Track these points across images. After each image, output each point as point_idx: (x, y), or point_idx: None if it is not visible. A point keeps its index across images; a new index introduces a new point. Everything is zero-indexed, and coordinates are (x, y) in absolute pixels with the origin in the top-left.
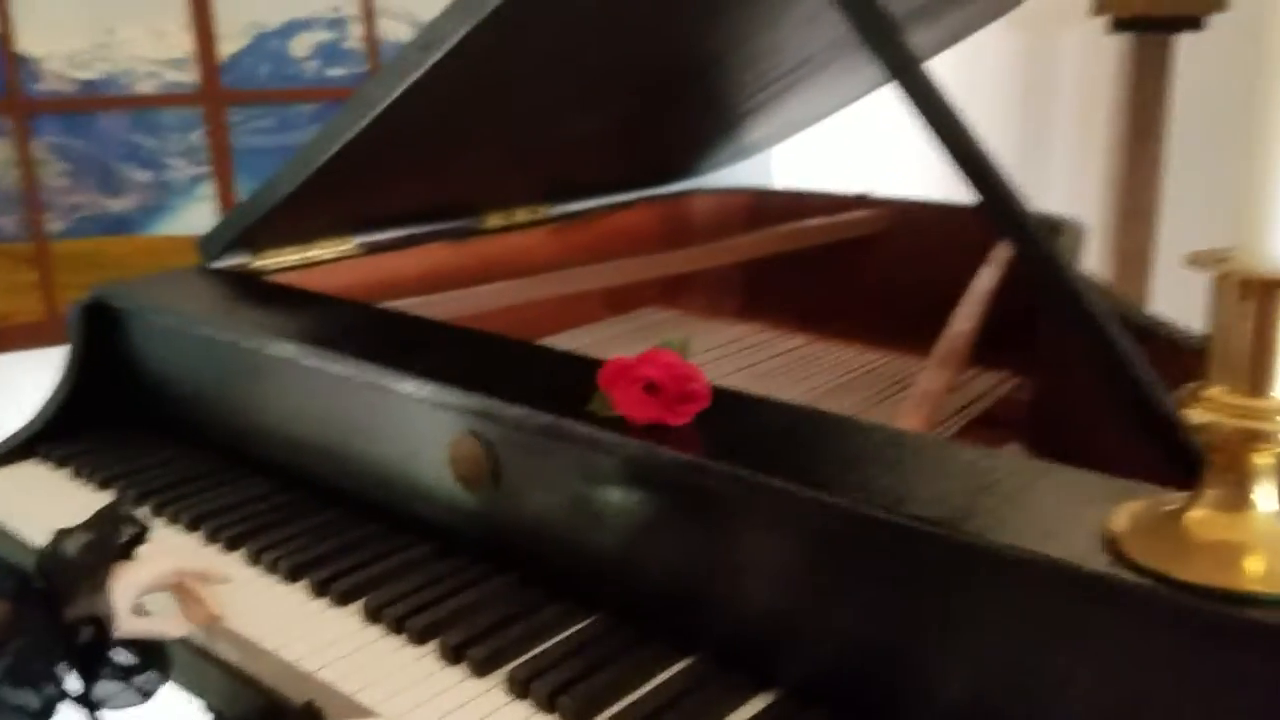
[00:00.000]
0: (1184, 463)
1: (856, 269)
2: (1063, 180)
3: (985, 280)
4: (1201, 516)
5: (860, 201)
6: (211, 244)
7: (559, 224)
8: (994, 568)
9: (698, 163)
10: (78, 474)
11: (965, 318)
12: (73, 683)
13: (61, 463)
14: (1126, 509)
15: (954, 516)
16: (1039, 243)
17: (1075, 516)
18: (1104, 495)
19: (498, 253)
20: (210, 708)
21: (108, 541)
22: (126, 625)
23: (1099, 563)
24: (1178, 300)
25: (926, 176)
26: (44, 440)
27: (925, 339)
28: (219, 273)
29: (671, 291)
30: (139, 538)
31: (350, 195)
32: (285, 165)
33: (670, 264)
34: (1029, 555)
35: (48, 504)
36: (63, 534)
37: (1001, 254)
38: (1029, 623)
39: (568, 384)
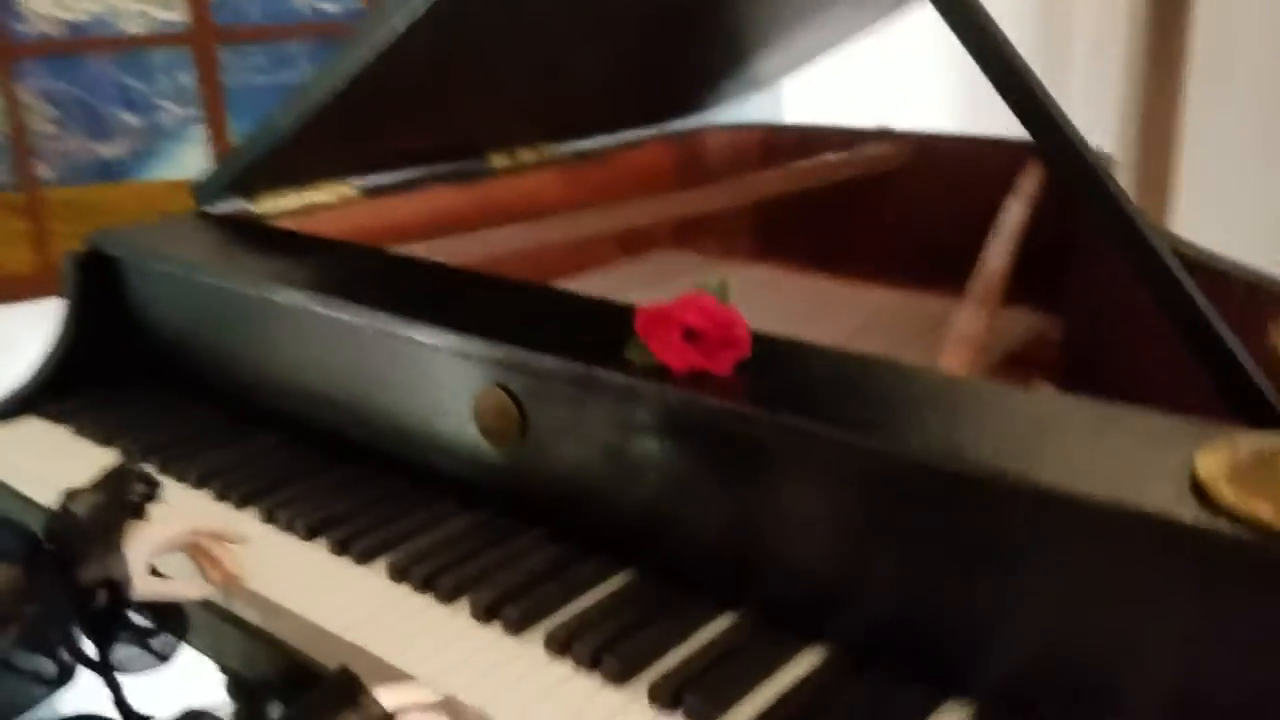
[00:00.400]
0: (1245, 402)
1: (875, 206)
2: (1081, 107)
3: (1014, 215)
4: None
5: (879, 135)
6: (207, 188)
7: (569, 164)
8: (1069, 518)
9: (706, 97)
10: (79, 431)
11: (998, 254)
12: (88, 647)
13: (61, 419)
14: (1214, 453)
15: (1021, 463)
16: (1099, 175)
17: (1154, 461)
18: (1182, 438)
19: (505, 195)
20: (227, 670)
21: (120, 501)
22: (143, 587)
23: (1189, 512)
24: (1199, 229)
25: (938, 109)
26: (42, 396)
27: (950, 277)
28: (218, 218)
29: (685, 233)
30: (151, 496)
31: (351, 136)
32: (282, 105)
33: (687, 203)
34: (1110, 504)
35: (49, 461)
36: (72, 494)
37: (1027, 187)
38: (1105, 575)
39: (599, 332)
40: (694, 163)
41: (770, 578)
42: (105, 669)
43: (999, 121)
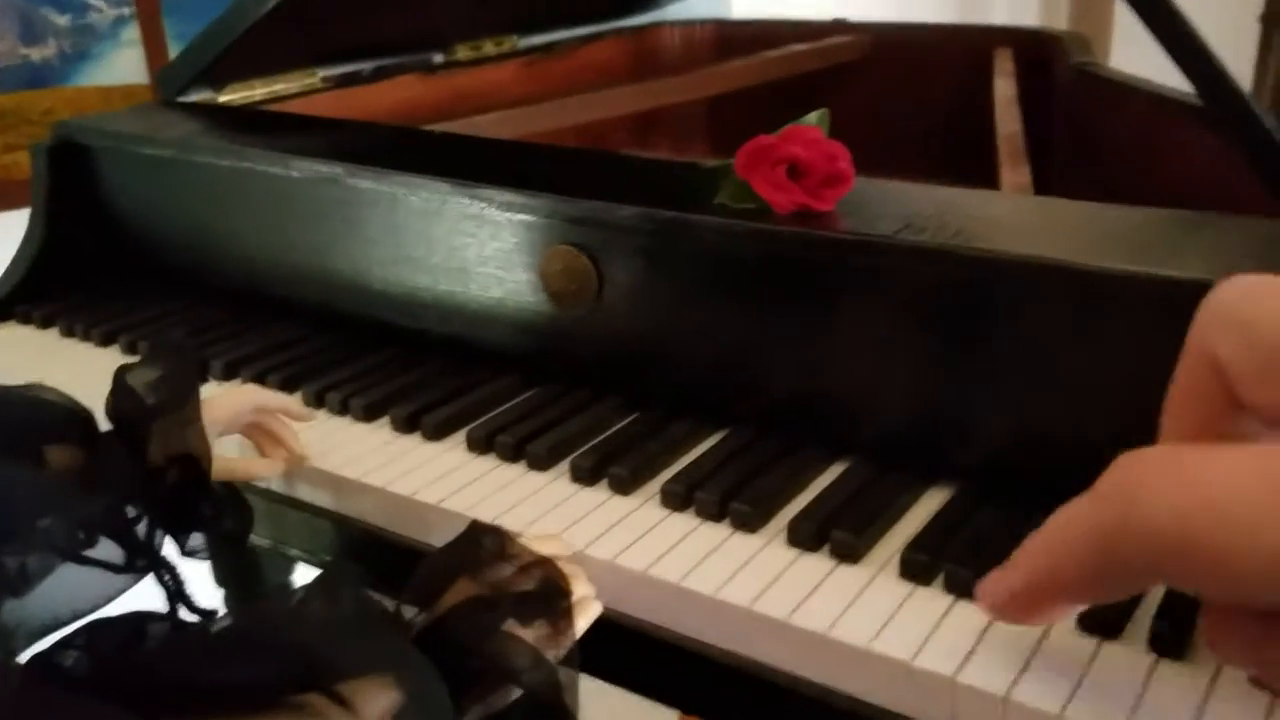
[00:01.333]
0: None
1: (833, 98)
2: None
3: (1005, 89)
4: None
5: (836, 27)
6: (172, 77)
7: (531, 57)
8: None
9: None
10: (69, 332)
11: (1007, 121)
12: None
13: (47, 322)
14: None
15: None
16: None
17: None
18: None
19: (470, 86)
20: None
21: (180, 374)
22: (215, 466)
23: None
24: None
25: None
26: (20, 300)
27: (912, 166)
28: (190, 106)
29: (641, 132)
30: (205, 373)
31: (317, 22)
32: None
33: (644, 96)
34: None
35: (46, 364)
36: (124, 370)
37: (1006, 65)
38: None
39: (675, 185)
40: (649, 59)
41: (880, 417)
42: (160, 561)
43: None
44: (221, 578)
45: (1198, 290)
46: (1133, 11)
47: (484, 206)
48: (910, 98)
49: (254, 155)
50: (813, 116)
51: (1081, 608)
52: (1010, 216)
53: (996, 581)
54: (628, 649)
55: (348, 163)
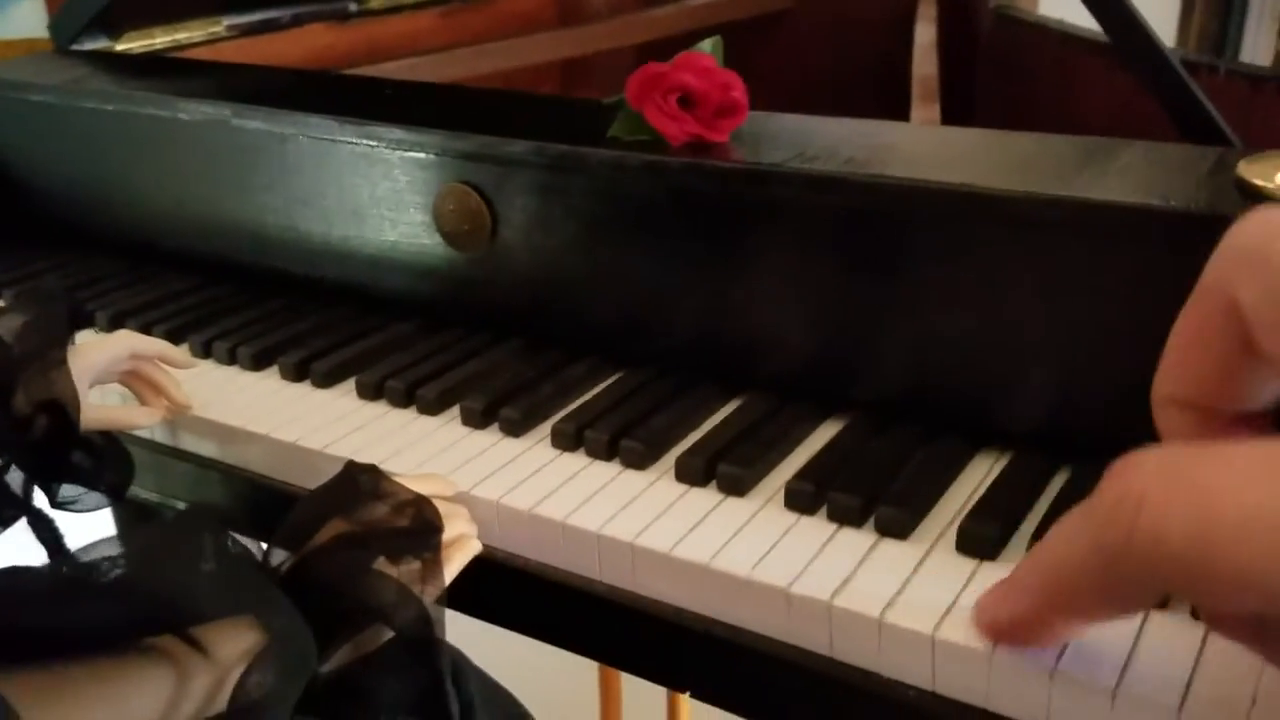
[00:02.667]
0: (1200, 132)
1: (762, 49)
2: None
3: (924, 33)
4: None
5: None
6: (65, 24)
7: (450, 6)
8: (1118, 228)
9: None
10: None
11: (923, 64)
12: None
13: None
14: (1258, 161)
15: (1046, 184)
16: None
17: (1179, 175)
18: (1193, 157)
19: (384, 36)
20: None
21: (50, 320)
22: (85, 414)
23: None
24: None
25: None
26: None
27: (847, 114)
28: (86, 54)
29: (569, 84)
30: (78, 319)
31: None
32: None
33: (568, 43)
34: (1161, 209)
35: None
36: None
37: (929, 11)
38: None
39: (566, 120)
40: (574, 9)
41: (777, 351)
42: (35, 512)
43: None
44: (122, 534)
45: (1090, 211)
46: None
47: (374, 145)
48: (837, 46)
49: (140, 99)
50: (706, 44)
51: (1091, 627)
52: (904, 145)
53: (997, 604)
54: (515, 590)
55: (236, 103)
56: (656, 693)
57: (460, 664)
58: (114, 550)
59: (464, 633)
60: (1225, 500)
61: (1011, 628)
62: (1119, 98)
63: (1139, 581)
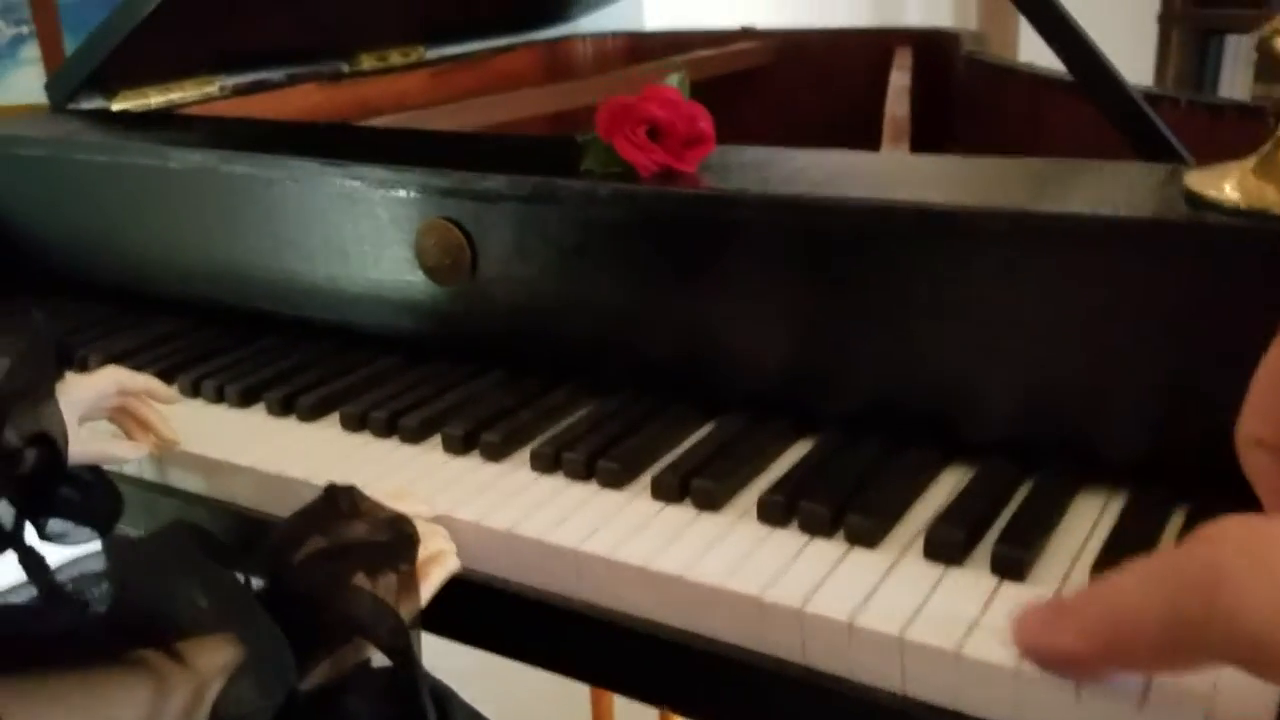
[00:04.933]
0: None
1: (742, 103)
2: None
3: (898, 79)
4: None
5: (744, 34)
6: (61, 84)
7: (440, 67)
8: (1067, 237)
9: (571, 6)
10: None
11: (895, 105)
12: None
13: None
14: (1202, 172)
15: (1002, 197)
16: None
17: (1130, 188)
18: (1143, 173)
19: (376, 96)
20: None
21: (39, 356)
22: (73, 448)
23: (1211, 216)
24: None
25: (807, 9)
26: None
27: None
28: (82, 112)
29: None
30: (66, 356)
31: (211, 27)
32: None
33: (554, 98)
34: (1111, 218)
35: None
36: None
37: (904, 61)
38: (1099, 298)
39: (543, 156)
40: (562, 71)
41: (751, 370)
42: (24, 546)
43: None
44: (106, 549)
45: (1045, 222)
46: None
47: (356, 185)
48: (817, 98)
49: (130, 149)
50: (673, 78)
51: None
52: (864, 169)
53: (1048, 631)
54: (495, 612)
55: (223, 150)
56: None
57: (448, 699)
58: (97, 566)
59: (454, 668)
60: None
61: (1058, 659)
62: (1088, 134)
63: (1207, 653)
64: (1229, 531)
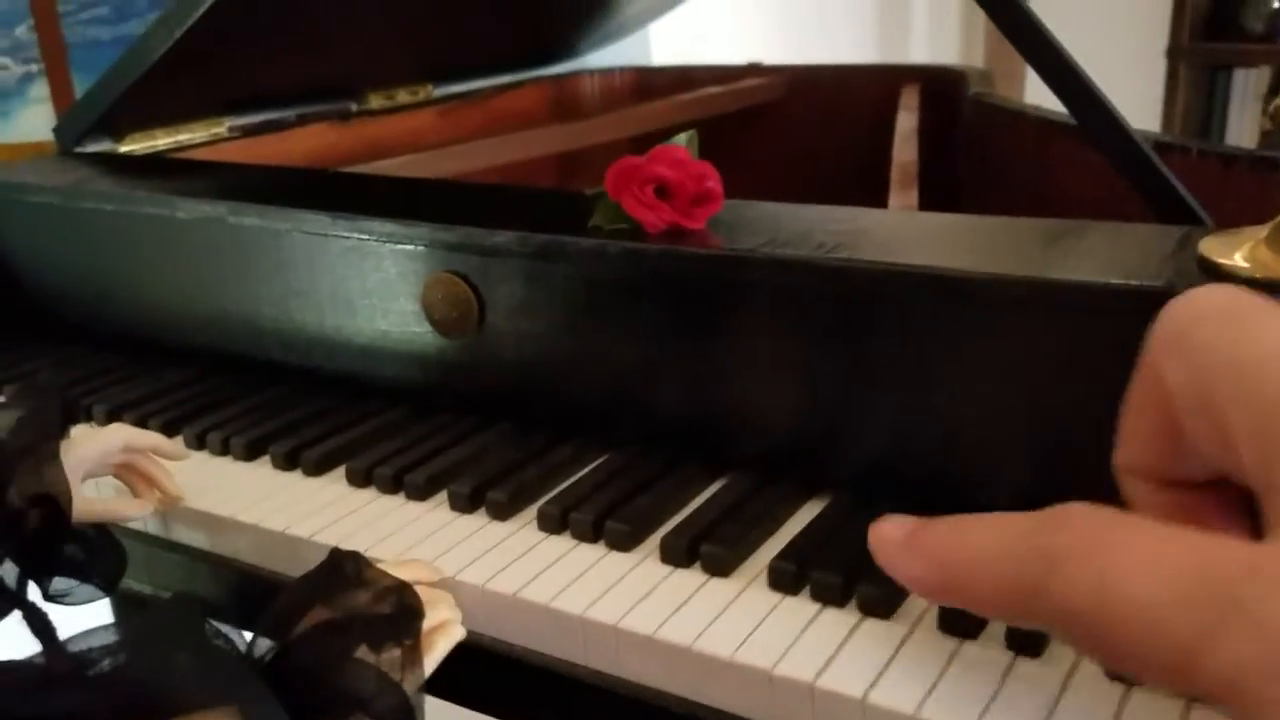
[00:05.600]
0: (1174, 213)
1: (750, 139)
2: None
3: (905, 122)
4: None
5: (751, 70)
6: (69, 127)
7: (448, 105)
8: (1082, 305)
9: (578, 42)
10: None
11: (903, 151)
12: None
13: None
14: (1218, 239)
15: (1016, 265)
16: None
17: (1143, 254)
18: (1157, 237)
19: (385, 134)
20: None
21: (44, 414)
22: (78, 507)
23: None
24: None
25: (813, 45)
26: None
27: (835, 199)
28: (90, 155)
29: (563, 178)
30: (72, 413)
31: (218, 69)
32: (144, 36)
33: (563, 138)
34: (1124, 288)
35: None
36: None
37: (911, 101)
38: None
39: (548, 210)
40: (570, 107)
41: (759, 431)
42: (28, 605)
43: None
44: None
45: (1053, 290)
46: (995, 22)
47: (364, 238)
48: (824, 134)
49: (139, 199)
50: (681, 137)
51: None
52: (874, 229)
53: (898, 554)
54: (500, 676)
55: (232, 201)
56: None
57: None
58: (105, 639)
59: None
60: (1128, 582)
61: (906, 581)
62: (1096, 178)
63: (1041, 621)
64: (1080, 515)
